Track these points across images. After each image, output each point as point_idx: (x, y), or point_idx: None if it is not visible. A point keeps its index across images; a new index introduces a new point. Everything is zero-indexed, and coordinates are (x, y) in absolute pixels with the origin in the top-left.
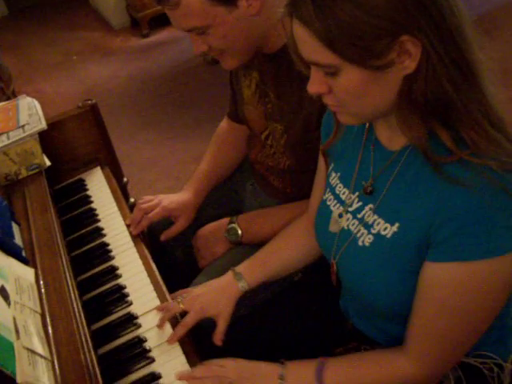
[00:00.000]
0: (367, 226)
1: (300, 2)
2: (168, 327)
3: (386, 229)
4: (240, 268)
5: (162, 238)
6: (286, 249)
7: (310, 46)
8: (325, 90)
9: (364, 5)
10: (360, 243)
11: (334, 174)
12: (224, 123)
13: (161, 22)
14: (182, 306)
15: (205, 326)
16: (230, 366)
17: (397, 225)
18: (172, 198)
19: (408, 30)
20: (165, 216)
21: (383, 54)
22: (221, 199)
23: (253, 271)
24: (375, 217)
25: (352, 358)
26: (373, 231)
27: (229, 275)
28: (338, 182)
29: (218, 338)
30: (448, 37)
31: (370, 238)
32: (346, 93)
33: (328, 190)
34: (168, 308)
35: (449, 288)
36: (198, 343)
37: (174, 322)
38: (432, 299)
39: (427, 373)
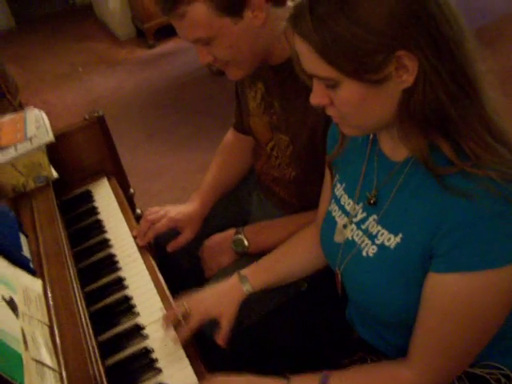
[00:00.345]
0: (371, 236)
1: (300, 16)
2: (174, 335)
3: (389, 239)
4: (245, 271)
5: (169, 249)
6: (292, 256)
7: (309, 60)
8: (326, 102)
9: (359, 20)
10: (364, 254)
11: (338, 185)
12: (230, 134)
13: (166, 32)
14: (186, 307)
15: (210, 337)
16: (235, 381)
17: (400, 236)
18: (178, 209)
19: (404, 45)
20: (171, 227)
21: (380, 68)
22: (227, 210)
23: (258, 275)
24: (379, 227)
25: (355, 371)
26: (377, 242)
27: (234, 278)
28: (342, 192)
29: (221, 339)
30: (445, 51)
31: (373, 249)
32: (346, 105)
33: (333, 200)
34: (173, 311)
35: (452, 299)
36: (206, 353)
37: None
38: (435, 310)
39: (430, 383)
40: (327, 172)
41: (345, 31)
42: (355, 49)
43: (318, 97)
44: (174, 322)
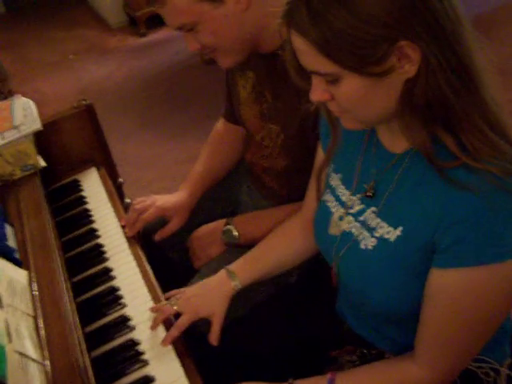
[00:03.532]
0: (370, 229)
1: (295, 12)
2: (161, 329)
3: (389, 232)
4: (233, 267)
5: (156, 238)
6: (280, 247)
7: (308, 56)
8: (327, 98)
9: (359, 12)
10: (362, 246)
11: (334, 175)
12: (220, 124)
13: (158, 21)
14: (175, 307)
15: (200, 328)
16: None
17: (400, 228)
18: (166, 198)
19: (405, 35)
20: (159, 216)
21: (382, 60)
22: (217, 200)
23: (246, 270)
24: (378, 220)
25: (362, 371)
26: (376, 234)
27: (222, 274)
28: (339, 183)
29: (214, 338)
30: (444, 41)
31: (373, 242)
32: (348, 100)
33: (328, 191)
34: (161, 310)
35: (457, 294)
36: (194, 346)
37: (168, 322)
38: (440, 306)
39: (439, 378)
40: (317, 161)
41: (344, 24)
42: (356, 41)
43: (318, 93)
44: (165, 321)
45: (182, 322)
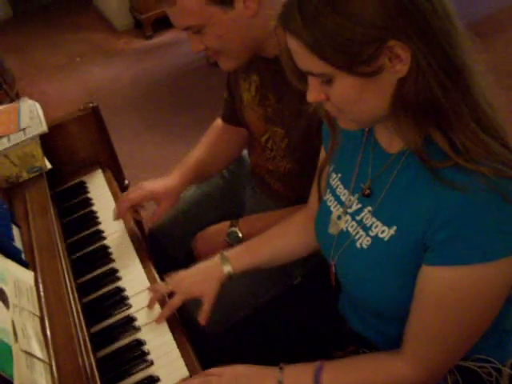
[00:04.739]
0: (365, 228)
1: (289, 15)
2: (165, 325)
3: (383, 232)
4: (228, 252)
5: (150, 224)
6: (278, 240)
7: (302, 57)
8: (323, 98)
9: (348, 13)
10: (358, 245)
11: (334, 175)
12: (217, 123)
13: (164, 23)
14: (169, 286)
15: (204, 328)
16: (228, 374)
17: (394, 228)
18: (156, 182)
19: (394, 36)
20: (148, 199)
21: (372, 60)
22: (221, 203)
23: (240, 256)
24: (373, 219)
25: (350, 362)
26: (371, 234)
27: (216, 258)
28: (338, 183)
29: (203, 317)
30: (434, 42)
31: (368, 241)
32: (341, 100)
33: (328, 190)
34: (156, 288)
35: (445, 292)
36: (199, 346)
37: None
38: (428, 303)
39: (424, 375)
40: (315, 179)
41: (335, 26)
42: (346, 42)
43: (314, 94)
44: (159, 300)
45: (174, 301)
